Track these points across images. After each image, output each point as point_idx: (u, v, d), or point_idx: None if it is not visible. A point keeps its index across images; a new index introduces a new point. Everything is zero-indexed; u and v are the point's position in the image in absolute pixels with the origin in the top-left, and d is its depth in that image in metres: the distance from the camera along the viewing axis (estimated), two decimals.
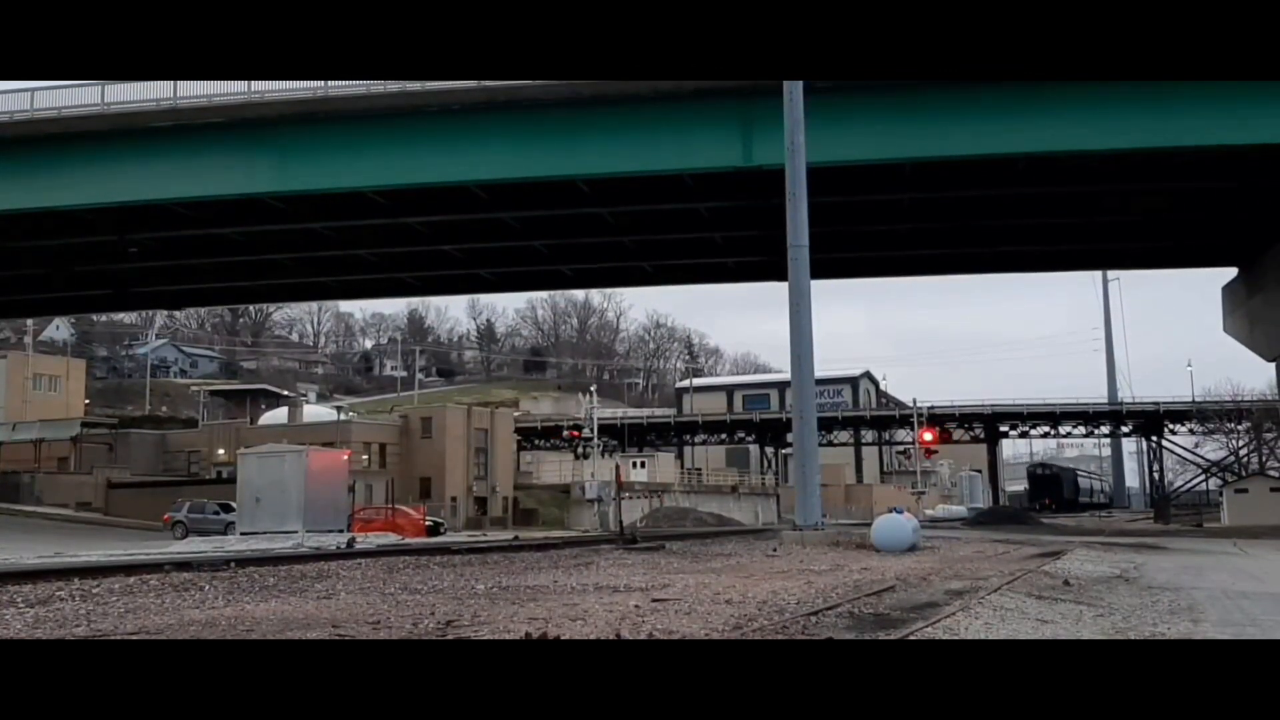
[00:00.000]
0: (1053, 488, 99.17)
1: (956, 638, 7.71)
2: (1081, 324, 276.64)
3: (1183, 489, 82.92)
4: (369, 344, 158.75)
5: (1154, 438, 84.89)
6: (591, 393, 70.07)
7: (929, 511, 69.30)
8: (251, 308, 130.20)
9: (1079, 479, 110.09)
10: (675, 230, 44.43)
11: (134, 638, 8.18)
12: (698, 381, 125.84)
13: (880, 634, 8.00)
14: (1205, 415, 75.27)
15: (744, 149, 35.40)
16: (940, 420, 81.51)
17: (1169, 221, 45.21)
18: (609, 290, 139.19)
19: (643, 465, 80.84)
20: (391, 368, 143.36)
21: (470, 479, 67.55)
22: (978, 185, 39.29)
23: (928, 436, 69.31)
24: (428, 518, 46.51)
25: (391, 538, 34.47)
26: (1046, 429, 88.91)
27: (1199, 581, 14.99)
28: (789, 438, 60.34)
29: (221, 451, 62.52)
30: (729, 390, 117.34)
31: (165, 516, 43.54)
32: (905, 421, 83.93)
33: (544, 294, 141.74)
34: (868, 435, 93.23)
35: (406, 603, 11.01)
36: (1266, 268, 45.95)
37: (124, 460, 64.35)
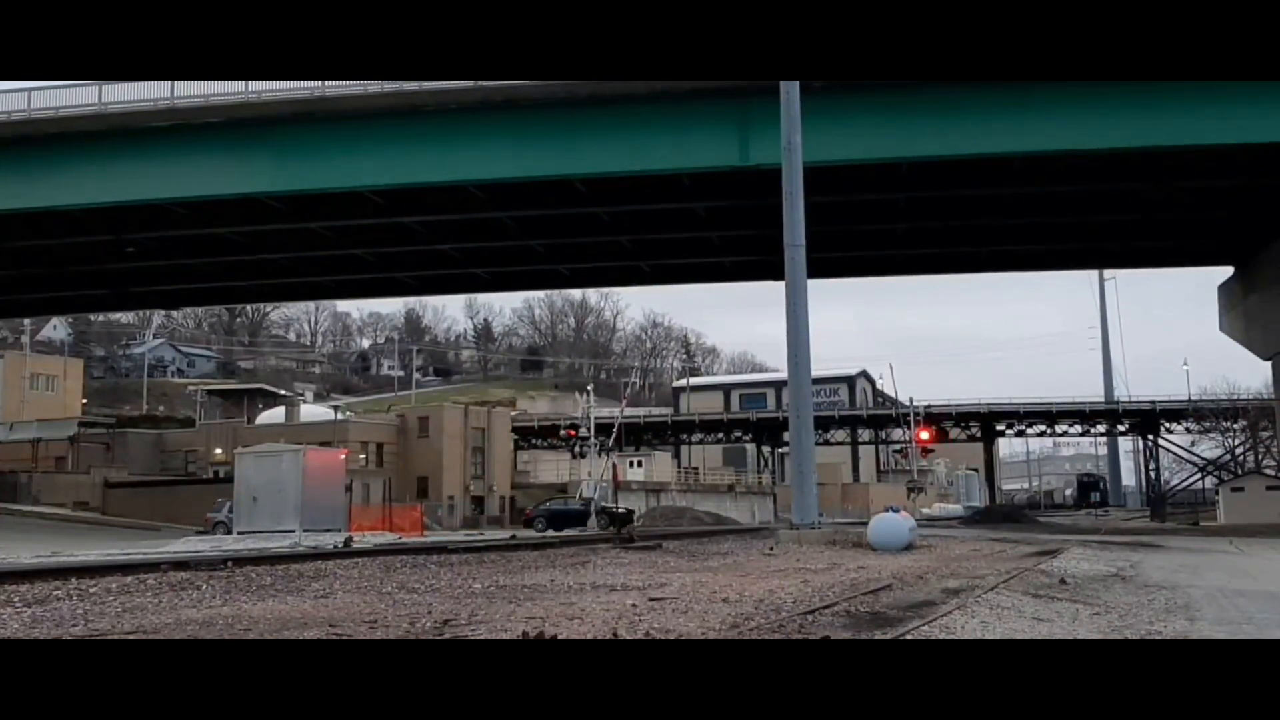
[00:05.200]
0: (1094, 491, 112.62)
1: (953, 637, 7.73)
2: (1078, 323, 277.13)
3: (1179, 487, 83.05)
4: (366, 343, 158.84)
5: (1150, 436, 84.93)
6: (589, 392, 70.14)
7: (925, 510, 69.42)
8: (249, 307, 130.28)
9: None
10: (672, 230, 44.45)
11: (131, 637, 8.19)
12: (694, 381, 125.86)
13: (877, 633, 8.01)
14: (1201, 414, 75.45)
15: (740, 148, 35.42)
16: (937, 419, 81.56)
17: (1165, 221, 45.27)
18: (606, 290, 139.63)
19: (640, 464, 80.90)
20: (389, 367, 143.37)
21: (467, 478, 67.63)
22: (974, 185, 39.33)
23: (924, 435, 69.50)
24: (621, 506, 48.11)
25: (389, 536, 34.49)
26: (1043, 428, 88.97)
27: (1195, 580, 15.02)
28: (786, 437, 60.38)
29: (219, 451, 62.59)
30: (726, 389, 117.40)
31: (206, 517, 42.57)
32: (902, 420, 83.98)
33: (541, 293, 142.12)
34: (864, 434, 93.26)
35: (403, 602, 11.02)
36: (1262, 267, 46.03)
37: (121, 460, 64.43)
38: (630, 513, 50.29)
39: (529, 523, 50.43)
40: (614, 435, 61.44)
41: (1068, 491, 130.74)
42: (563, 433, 77.19)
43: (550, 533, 38.82)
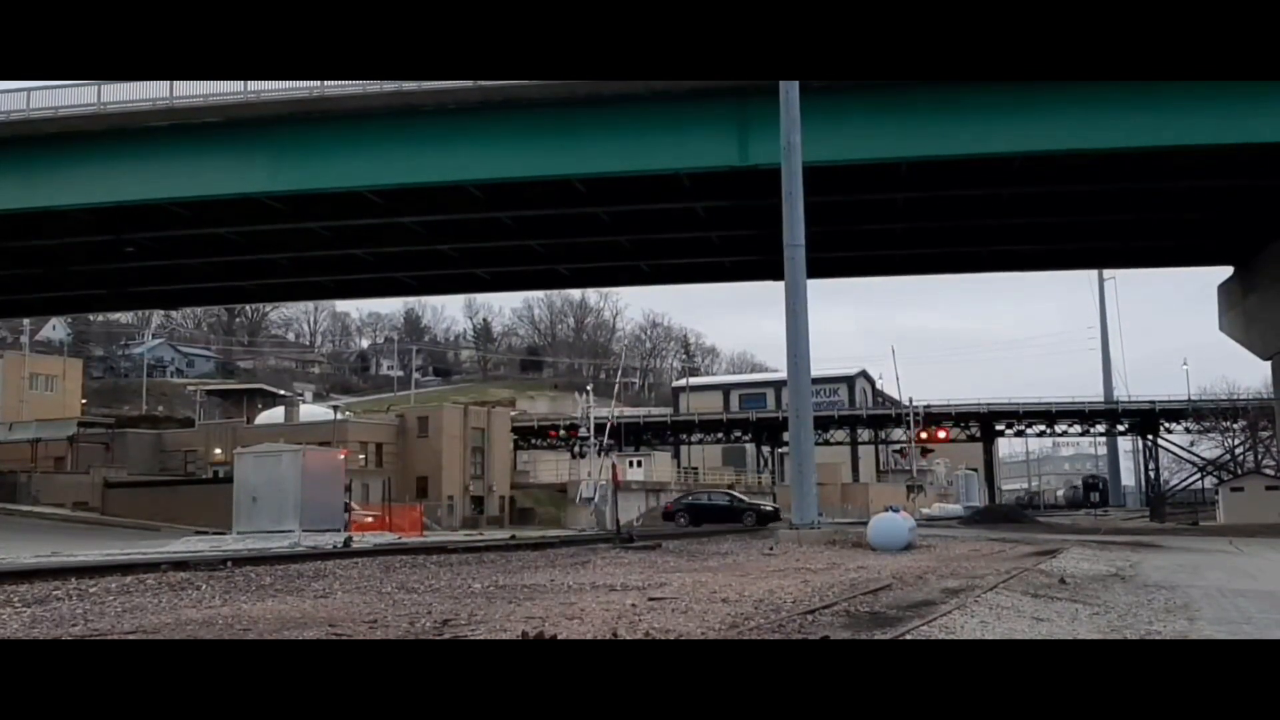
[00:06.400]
0: (1094, 491, 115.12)
1: (953, 637, 7.73)
2: (1078, 323, 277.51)
3: (1178, 487, 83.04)
4: (365, 343, 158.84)
5: (1149, 436, 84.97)
6: (588, 392, 70.14)
7: (925, 510, 69.35)
8: (248, 307, 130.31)
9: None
10: (672, 230, 44.44)
11: (131, 637, 8.19)
12: (694, 381, 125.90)
13: (876, 633, 8.01)
14: (1201, 414, 75.44)
15: (740, 148, 35.42)
16: (936, 419, 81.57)
17: (1165, 220, 45.27)
18: (605, 290, 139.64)
19: (639, 464, 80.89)
20: (388, 367, 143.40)
21: (467, 478, 67.63)
22: (973, 184, 39.32)
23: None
24: (769, 504, 47.70)
25: (389, 536, 34.49)
26: (1042, 428, 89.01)
27: (1194, 580, 15.02)
28: (785, 437, 60.39)
29: (218, 451, 62.56)
30: (725, 389, 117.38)
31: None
32: (901, 420, 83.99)
33: (540, 293, 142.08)
34: (864, 434, 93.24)
35: (403, 602, 11.02)
36: (1262, 266, 46.04)
37: (120, 460, 64.38)
38: (776, 510, 49.09)
39: (669, 517, 47.90)
40: (606, 434, 61.30)
41: (1059, 492, 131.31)
42: (563, 432, 77.21)
43: (692, 529, 37.93)
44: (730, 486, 71.32)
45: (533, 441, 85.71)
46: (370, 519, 42.54)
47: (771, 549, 22.37)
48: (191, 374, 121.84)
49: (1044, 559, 18.69)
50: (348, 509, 36.14)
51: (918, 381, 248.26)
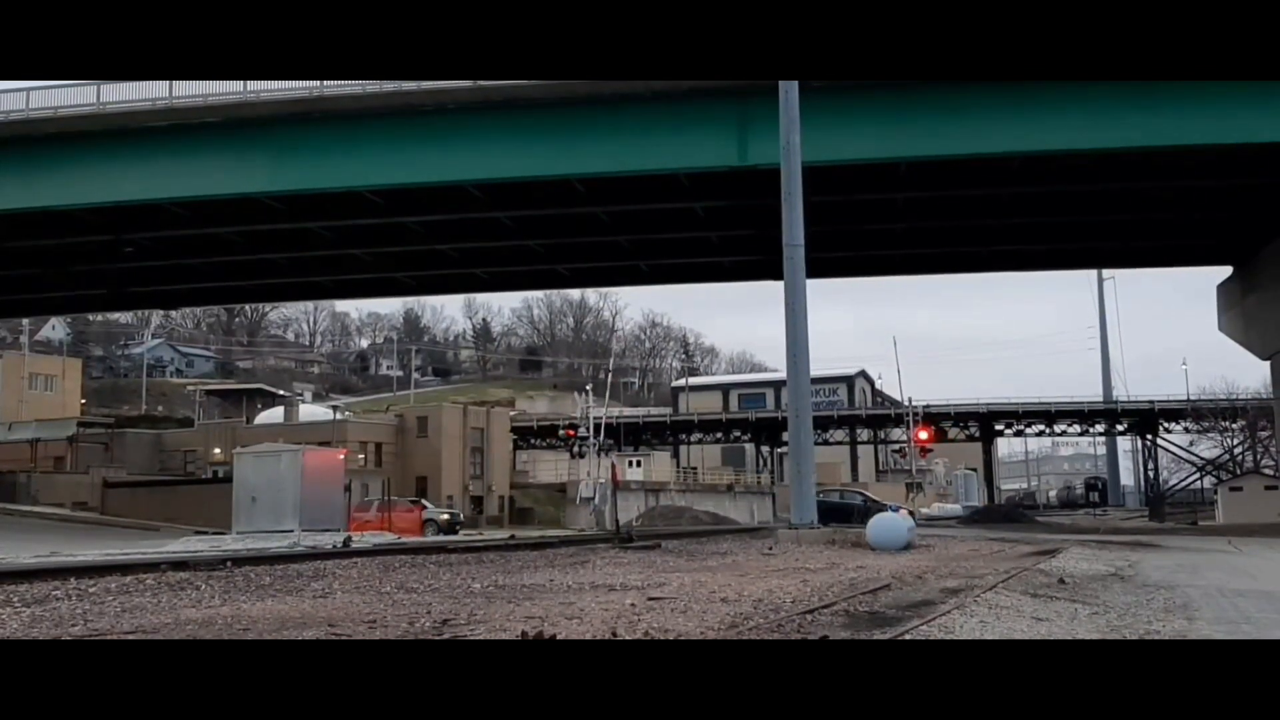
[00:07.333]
0: (1093, 491, 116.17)
1: (952, 637, 7.73)
2: (1077, 323, 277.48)
3: (1177, 487, 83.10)
4: (365, 343, 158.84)
5: (1149, 436, 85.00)
6: (588, 391, 70.13)
7: (924, 510, 69.39)
8: (247, 307, 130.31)
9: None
10: (671, 230, 44.44)
11: (130, 637, 8.19)
12: (693, 380, 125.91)
13: (876, 632, 8.02)
14: (1200, 414, 75.52)
15: (739, 148, 35.42)
16: (936, 419, 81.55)
17: (1164, 220, 45.28)
18: (605, 290, 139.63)
19: (639, 464, 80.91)
20: (387, 367, 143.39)
21: (466, 478, 67.65)
22: (973, 184, 39.33)
23: (923, 435, 69.55)
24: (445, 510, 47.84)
25: (388, 537, 34.49)
26: (1042, 427, 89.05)
27: (1194, 579, 15.02)
28: (784, 436, 60.40)
29: (218, 451, 62.60)
30: (725, 389, 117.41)
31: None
32: (901, 420, 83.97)
33: (540, 293, 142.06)
34: (863, 434, 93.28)
35: (402, 602, 11.01)
36: (1261, 266, 46.05)
37: (120, 460, 64.39)
38: (912, 513, 48.14)
39: None
40: (599, 432, 61.24)
41: (1052, 493, 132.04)
42: (561, 433, 77.23)
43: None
44: (864, 486, 70.39)
45: (532, 441, 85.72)
46: (447, 515, 46.76)
47: (770, 549, 22.35)
48: (191, 374, 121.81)
49: (1043, 559, 18.69)
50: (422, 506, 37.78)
51: (918, 381, 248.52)
